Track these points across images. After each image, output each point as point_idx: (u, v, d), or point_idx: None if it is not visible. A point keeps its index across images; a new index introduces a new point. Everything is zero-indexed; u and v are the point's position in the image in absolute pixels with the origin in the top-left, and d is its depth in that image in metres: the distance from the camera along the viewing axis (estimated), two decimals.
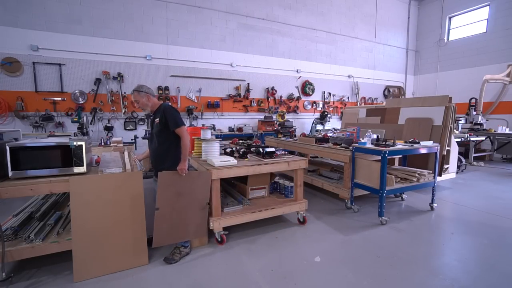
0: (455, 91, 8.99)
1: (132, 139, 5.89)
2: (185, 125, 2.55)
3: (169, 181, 2.39)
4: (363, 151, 3.51)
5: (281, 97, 8.05)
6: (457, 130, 6.75)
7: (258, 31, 7.57)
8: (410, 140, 3.59)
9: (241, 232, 3.02)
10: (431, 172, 3.68)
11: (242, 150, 3.34)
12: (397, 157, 4.29)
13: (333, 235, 2.98)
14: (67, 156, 2.23)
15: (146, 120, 5.99)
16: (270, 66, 7.83)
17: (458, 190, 4.69)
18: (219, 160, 2.74)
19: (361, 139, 3.70)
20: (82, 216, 2.16)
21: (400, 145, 3.45)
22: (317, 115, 8.30)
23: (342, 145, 3.93)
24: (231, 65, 7.24)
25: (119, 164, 2.54)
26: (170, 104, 2.75)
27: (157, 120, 2.54)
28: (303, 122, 8.48)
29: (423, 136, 4.23)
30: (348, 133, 4.13)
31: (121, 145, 3.79)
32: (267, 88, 7.80)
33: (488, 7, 8.68)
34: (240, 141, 4.53)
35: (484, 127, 7.43)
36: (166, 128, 2.49)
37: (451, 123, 4.21)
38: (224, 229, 2.76)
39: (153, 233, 2.35)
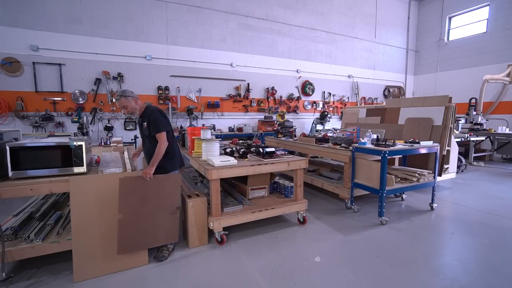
0: (455, 91, 8.99)
1: (132, 139, 5.89)
2: (167, 130, 2.57)
3: (132, 186, 2.27)
4: (363, 151, 3.51)
5: (281, 97, 8.06)
6: (457, 130, 6.75)
7: (258, 31, 7.57)
8: (410, 140, 3.59)
9: (241, 232, 3.02)
10: (431, 172, 3.68)
11: (242, 150, 3.34)
12: (397, 157, 4.29)
13: (333, 235, 2.98)
14: (67, 156, 2.23)
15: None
16: (270, 66, 7.83)
17: (458, 190, 4.69)
18: (219, 160, 2.74)
19: (361, 139, 3.70)
20: (82, 216, 2.16)
21: (400, 145, 3.45)
22: (317, 115, 8.30)
23: (342, 145, 3.93)
24: (231, 65, 7.24)
25: (119, 164, 2.54)
26: (156, 106, 2.73)
27: (145, 124, 2.58)
28: (303, 122, 8.48)
29: (423, 136, 4.23)
30: (348, 133, 4.13)
31: (121, 145, 3.80)
32: (267, 88, 7.80)
33: (488, 7, 8.68)
34: (240, 141, 4.53)
35: (484, 127, 7.43)
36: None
37: (451, 123, 4.21)
38: (224, 229, 2.76)
39: (117, 239, 2.24)
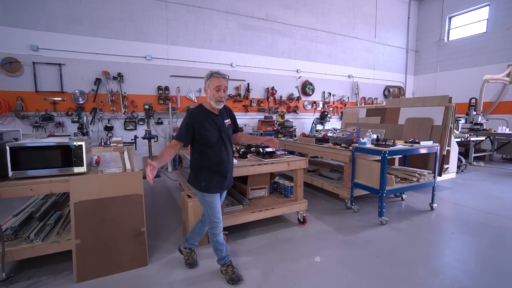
0: (455, 91, 8.99)
1: (132, 139, 5.89)
2: None
3: (88, 209, 2.15)
4: (363, 151, 3.51)
5: (281, 97, 8.05)
6: (457, 130, 6.75)
7: (258, 31, 7.57)
8: (410, 140, 3.59)
9: (241, 232, 3.02)
10: (431, 172, 3.68)
11: (242, 150, 3.35)
12: (397, 157, 4.29)
13: (333, 235, 2.98)
14: (67, 156, 2.23)
15: (146, 120, 5.99)
16: (270, 66, 7.83)
17: (458, 190, 4.69)
18: None
19: (361, 139, 3.70)
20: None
21: (400, 145, 3.45)
22: (317, 115, 8.30)
23: (342, 145, 3.93)
24: (231, 65, 7.24)
25: (119, 164, 2.54)
26: None
27: (228, 121, 2.17)
28: (303, 122, 8.48)
29: (423, 136, 4.23)
30: (348, 133, 4.14)
31: (121, 145, 3.79)
32: (267, 88, 7.80)
33: (488, 7, 8.68)
34: None
35: (484, 127, 7.43)
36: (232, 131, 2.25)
37: (451, 123, 4.21)
38: (224, 229, 2.75)
39: (73, 267, 2.14)
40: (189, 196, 2.78)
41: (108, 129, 5.86)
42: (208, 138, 2.01)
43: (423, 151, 3.49)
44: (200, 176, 2.08)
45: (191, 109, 2.14)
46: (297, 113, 8.36)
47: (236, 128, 2.31)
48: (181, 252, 2.45)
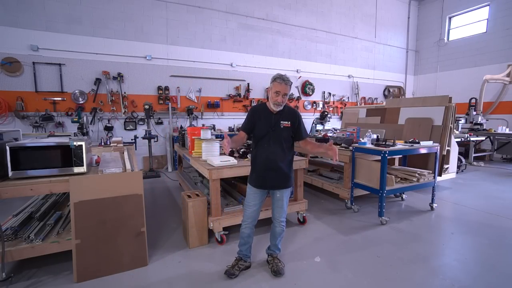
0: (455, 91, 8.99)
1: (132, 139, 5.89)
2: None
3: (88, 209, 2.15)
4: (363, 151, 3.51)
5: None
6: (457, 130, 6.76)
7: (258, 31, 7.57)
8: (410, 140, 3.59)
9: None
10: (431, 172, 3.68)
11: (242, 150, 3.35)
12: (397, 157, 4.29)
13: (333, 235, 2.98)
14: (67, 156, 2.23)
15: (146, 120, 5.99)
16: (270, 66, 7.83)
17: (458, 190, 4.69)
18: (219, 160, 2.74)
19: (361, 139, 3.70)
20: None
21: (400, 145, 3.45)
22: (317, 115, 8.29)
23: (342, 145, 3.93)
24: (231, 65, 7.24)
25: (119, 164, 2.54)
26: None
27: (286, 123, 2.19)
28: (303, 122, 8.46)
29: (423, 136, 4.23)
30: (348, 133, 4.13)
31: (121, 145, 3.79)
32: (267, 88, 7.79)
33: (488, 7, 8.68)
34: None
35: (484, 127, 7.43)
36: (293, 136, 2.25)
37: (451, 123, 4.21)
38: (224, 229, 2.77)
39: (73, 266, 2.14)
40: (189, 196, 2.78)
41: (108, 129, 5.87)
42: (257, 130, 2.18)
43: (423, 151, 3.49)
44: (251, 168, 2.28)
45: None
46: None
47: (299, 135, 2.27)
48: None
